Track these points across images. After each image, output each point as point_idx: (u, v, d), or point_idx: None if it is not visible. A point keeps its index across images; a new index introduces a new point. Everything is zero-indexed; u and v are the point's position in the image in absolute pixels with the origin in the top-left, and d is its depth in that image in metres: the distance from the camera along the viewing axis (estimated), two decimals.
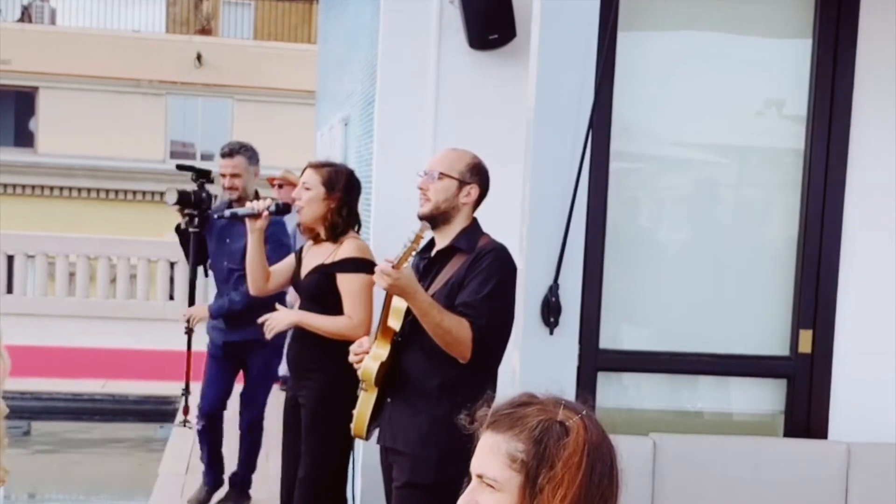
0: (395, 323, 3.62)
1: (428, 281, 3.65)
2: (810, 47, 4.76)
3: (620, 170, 4.86)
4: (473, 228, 3.68)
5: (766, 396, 5.01)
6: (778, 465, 4.71)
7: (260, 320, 4.51)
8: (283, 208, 4.72)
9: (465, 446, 1.88)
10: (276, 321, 4.45)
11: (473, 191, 3.67)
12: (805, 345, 4.86)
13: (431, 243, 3.77)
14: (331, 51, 8.19)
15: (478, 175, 3.70)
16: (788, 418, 4.90)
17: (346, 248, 4.40)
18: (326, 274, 4.36)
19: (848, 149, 4.79)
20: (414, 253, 3.42)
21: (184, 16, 25.29)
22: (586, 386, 4.75)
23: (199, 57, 22.18)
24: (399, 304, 3.66)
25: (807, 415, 4.88)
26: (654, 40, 4.85)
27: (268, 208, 4.52)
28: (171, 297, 14.16)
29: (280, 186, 8.15)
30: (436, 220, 3.67)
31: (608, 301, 4.79)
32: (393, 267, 3.35)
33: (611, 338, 4.82)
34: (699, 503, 4.63)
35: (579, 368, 4.71)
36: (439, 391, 3.56)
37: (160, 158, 22.64)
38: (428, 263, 3.73)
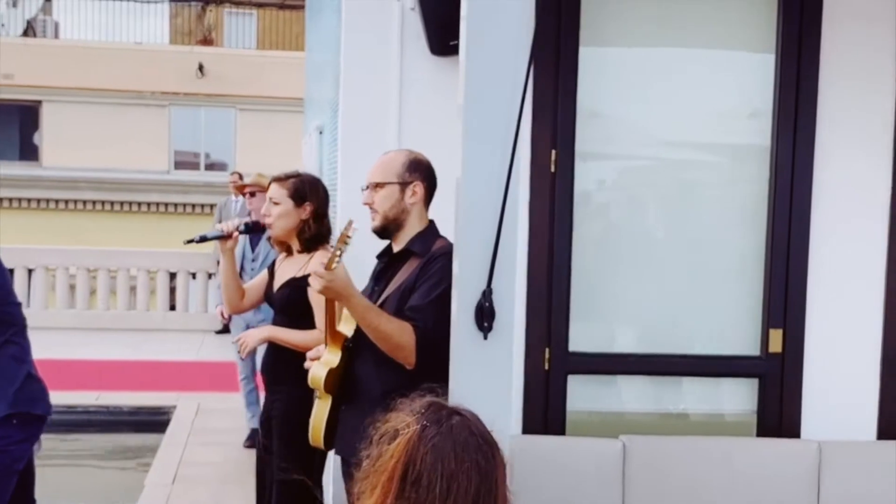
0: (348, 329, 3.62)
1: (383, 284, 3.65)
2: (774, 53, 4.75)
3: (591, 170, 4.86)
4: (428, 231, 3.67)
5: (738, 396, 4.99)
6: (750, 465, 4.69)
7: (233, 340, 4.58)
8: (254, 226, 4.70)
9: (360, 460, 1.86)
10: (249, 338, 4.49)
11: (417, 188, 3.65)
12: (776, 344, 4.84)
13: (390, 247, 3.77)
14: (313, 58, 8.21)
15: (417, 171, 3.67)
16: (761, 418, 4.88)
17: (318, 261, 4.38)
18: (297, 287, 4.35)
19: (814, 146, 4.77)
20: (340, 253, 3.37)
21: (187, 27, 25.36)
22: (557, 389, 4.76)
23: (200, 67, 22.23)
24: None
25: (779, 414, 4.85)
26: (619, 50, 4.85)
27: (237, 228, 4.51)
28: (172, 308, 14.20)
29: (252, 195, 7.54)
30: (388, 229, 3.67)
31: (579, 304, 4.78)
32: (325, 268, 3.34)
33: (580, 340, 4.80)
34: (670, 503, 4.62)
35: (548, 372, 4.74)
36: (385, 398, 3.53)
37: (164, 169, 22.71)
38: (384, 267, 3.72)
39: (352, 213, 4.57)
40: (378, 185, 3.66)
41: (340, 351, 3.63)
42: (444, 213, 3.72)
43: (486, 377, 2.91)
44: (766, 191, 4.83)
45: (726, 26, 4.88)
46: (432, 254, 3.57)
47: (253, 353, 6.72)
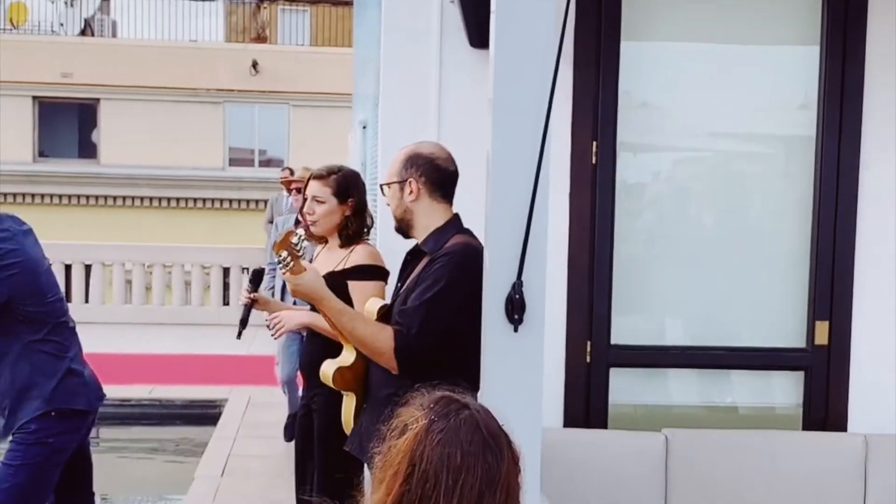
0: None
1: (401, 283, 3.61)
2: (819, 46, 4.70)
3: (632, 162, 4.84)
4: (447, 227, 3.52)
5: (783, 389, 4.94)
6: (795, 459, 4.64)
7: (268, 318, 4.45)
8: (257, 276, 4.63)
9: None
10: (287, 321, 4.37)
11: (413, 184, 3.49)
12: (822, 336, 4.79)
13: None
14: (360, 54, 8.23)
15: (413, 166, 3.51)
16: (806, 411, 4.83)
17: (358, 255, 4.34)
18: (338, 281, 4.23)
19: (860, 138, 4.71)
20: (283, 259, 3.29)
21: (242, 24, 25.57)
22: (598, 382, 4.74)
23: (254, 64, 22.38)
24: (371, 306, 3.65)
25: (825, 407, 4.80)
26: (662, 45, 4.83)
27: (248, 294, 4.43)
28: (226, 303, 14.34)
29: (300, 191, 6.47)
30: (402, 228, 3.59)
31: (621, 296, 4.76)
32: (289, 272, 3.30)
33: (623, 333, 4.78)
34: (713, 498, 4.58)
35: (590, 365, 4.73)
36: (389, 402, 3.47)
37: (219, 166, 22.91)
38: (404, 265, 3.67)
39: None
40: (383, 186, 3.63)
41: (356, 350, 3.59)
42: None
43: (517, 370, 2.90)
44: (811, 183, 4.77)
45: (770, 20, 4.83)
46: (438, 253, 3.43)
47: (297, 358, 6.76)
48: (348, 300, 4.13)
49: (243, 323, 4.42)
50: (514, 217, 2.90)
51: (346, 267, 4.31)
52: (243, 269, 14.22)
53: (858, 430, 4.72)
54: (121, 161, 22.18)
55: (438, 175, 3.53)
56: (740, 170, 4.98)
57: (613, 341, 4.76)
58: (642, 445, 4.64)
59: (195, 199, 22.64)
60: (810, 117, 4.77)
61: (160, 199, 22.55)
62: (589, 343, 4.72)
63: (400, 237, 3.79)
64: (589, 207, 4.66)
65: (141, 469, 4.56)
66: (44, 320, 4.09)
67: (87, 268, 14.10)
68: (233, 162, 23.17)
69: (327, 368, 3.65)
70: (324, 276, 4.20)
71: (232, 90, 22.68)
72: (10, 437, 4.12)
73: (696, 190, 4.98)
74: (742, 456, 4.65)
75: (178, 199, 22.61)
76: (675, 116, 4.92)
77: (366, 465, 3.72)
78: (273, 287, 7.00)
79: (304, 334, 4.80)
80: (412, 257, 3.63)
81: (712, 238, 4.93)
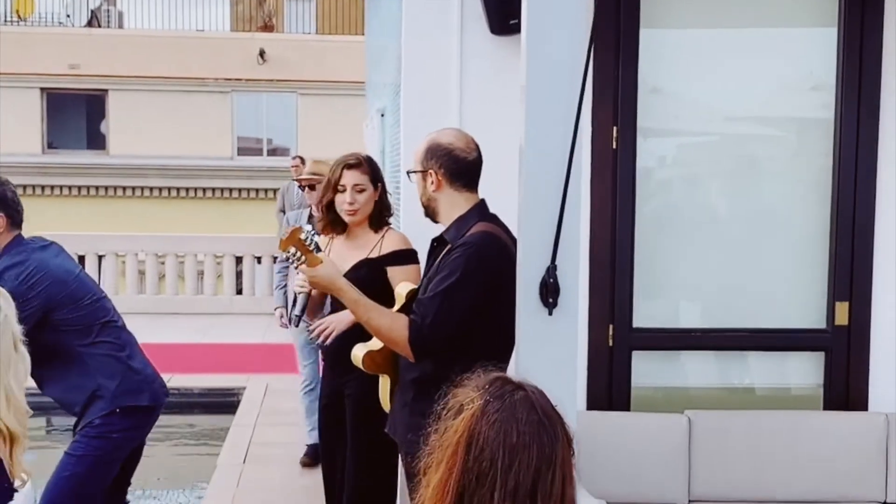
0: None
1: (428, 271, 3.66)
2: (836, 27, 4.73)
3: (652, 147, 4.88)
4: (469, 215, 3.54)
5: (804, 370, 4.99)
6: (817, 439, 4.69)
7: (313, 327, 4.33)
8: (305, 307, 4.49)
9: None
10: (338, 323, 4.23)
11: (433, 175, 3.53)
12: (842, 317, 4.83)
13: None
14: (372, 42, 8.26)
15: (432, 157, 3.55)
16: (827, 391, 4.88)
17: (392, 241, 4.35)
18: (375, 268, 4.26)
19: (879, 118, 4.74)
20: (293, 253, 3.35)
21: (248, 13, 25.56)
22: (622, 366, 4.79)
23: (261, 53, 22.39)
24: (401, 290, 3.71)
25: (845, 387, 4.84)
26: (681, 31, 4.86)
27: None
28: (239, 292, 14.40)
29: (312, 188, 6.35)
30: (429, 215, 3.64)
31: (642, 280, 4.80)
32: (304, 265, 3.36)
33: (645, 316, 4.83)
34: (736, 479, 4.63)
35: (612, 348, 4.77)
36: (414, 385, 3.54)
37: (228, 155, 22.93)
38: (428, 253, 3.72)
39: (415, 195, 4.62)
40: (409, 174, 3.69)
41: None
42: (510, 189, 3.70)
43: (552, 353, 2.95)
44: (830, 164, 4.81)
45: (788, 3, 4.87)
46: (457, 243, 3.46)
47: (317, 359, 6.63)
48: (386, 286, 4.13)
49: (303, 311, 4.10)
50: (548, 202, 2.94)
51: (382, 254, 4.31)
52: (256, 257, 14.28)
53: (879, 410, 4.76)
54: (130, 151, 22.21)
55: (457, 166, 3.56)
56: (759, 152, 5.01)
57: (635, 324, 4.80)
58: (665, 427, 4.68)
59: (204, 189, 22.66)
60: (829, 99, 4.79)
61: (169, 189, 22.58)
62: (611, 326, 4.77)
63: (422, 225, 3.88)
64: (610, 192, 4.70)
65: (161, 458, 4.61)
66: (89, 324, 4.16)
67: (100, 258, 14.15)
68: (241, 151, 23.18)
69: (358, 352, 3.72)
70: (358, 265, 4.20)
71: (239, 79, 22.68)
72: (78, 431, 4.20)
73: (715, 173, 5.01)
74: (764, 436, 4.70)
75: (186, 189, 22.64)
76: (694, 101, 4.96)
77: (399, 448, 3.77)
78: (285, 286, 6.80)
79: None
80: (438, 244, 3.66)
81: (732, 220, 4.97)
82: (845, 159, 4.77)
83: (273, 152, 23.50)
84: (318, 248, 3.44)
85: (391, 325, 3.43)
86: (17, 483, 2.85)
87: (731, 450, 4.66)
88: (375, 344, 3.68)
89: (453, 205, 3.56)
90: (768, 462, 4.65)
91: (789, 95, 4.93)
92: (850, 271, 4.80)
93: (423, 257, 4.05)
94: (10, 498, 2.83)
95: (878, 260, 4.78)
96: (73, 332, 4.11)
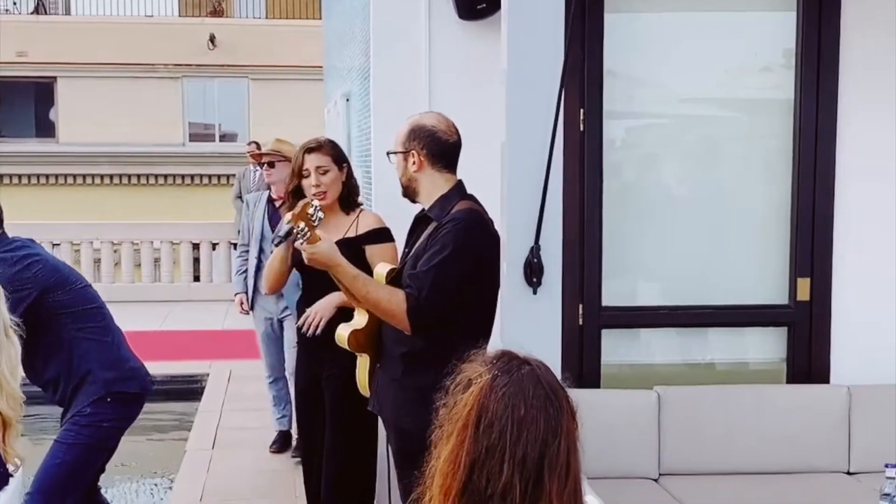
0: None
1: (408, 247, 3.74)
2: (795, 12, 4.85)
3: (617, 128, 4.97)
4: (451, 193, 3.65)
5: (767, 345, 5.12)
6: (781, 411, 4.82)
7: (301, 321, 4.40)
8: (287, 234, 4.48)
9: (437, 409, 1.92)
10: (323, 310, 4.33)
11: (416, 156, 3.64)
12: (804, 293, 4.96)
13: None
14: (333, 26, 8.28)
15: (415, 139, 3.65)
16: (790, 365, 5.01)
17: (368, 220, 4.41)
18: (354, 247, 4.26)
19: (837, 100, 4.87)
20: (302, 229, 3.40)
21: None
22: (592, 344, 4.88)
23: (212, 38, 22.26)
24: (380, 270, 3.77)
25: (808, 361, 4.98)
26: (645, 17, 4.95)
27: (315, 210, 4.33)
28: (197, 279, 14.35)
29: (271, 165, 6.28)
30: (409, 195, 3.74)
31: (609, 259, 4.90)
32: (306, 242, 3.42)
33: (613, 295, 4.92)
34: (704, 452, 4.75)
35: (582, 327, 4.87)
36: (403, 360, 3.63)
37: (180, 142, 22.79)
38: (411, 229, 3.80)
39: (386, 178, 4.68)
40: (389, 154, 3.77)
41: (367, 312, 3.73)
42: (478, 172, 3.78)
43: (536, 331, 3.03)
44: (790, 144, 4.93)
45: None
46: (444, 220, 3.57)
47: (280, 348, 6.61)
48: (365, 265, 4.17)
49: (287, 235, 4.24)
50: (531, 184, 3.01)
51: (359, 233, 4.36)
52: (212, 244, 14.23)
53: (841, 383, 4.90)
54: (80, 139, 21.99)
55: (439, 147, 3.67)
56: (722, 134, 5.12)
57: (605, 303, 4.90)
58: (635, 403, 4.79)
59: (156, 176, 22.50)
60: (789, 82, 4.92)
61: (121, 177, 22.39)
62: (581, 306, 4.86)
63: (394, 207, 4.00)
64: (578, 174, 4.78)
65: (128, 445, 4.62)
66: (80, 309, 4.18)
67: (54, 247, 14.03)
68: (193, 137, 23.05)
69: (343, 331, 3.78)
70: (339, 243, 4.23)
71: (190, 65, 22.53)
72: (66, 419, 4.21)
73: (680, 154, 5.12)
74: (731, 410, 4.82)
75: (138, 176, 22.47)
76: (658, 84, 5.05)
77: (386, 425, 3.83)
78: (245, 271, 6.69)
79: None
80: (418, 223, 3.76)
81: (697, 200, 5.08)
82: (805, 139, 4.90)
83: (225, 138, 23.38)
84: (318, 226, 3.50)
85: (390, 298, 3.50)
86: (10, 468, 2.89)
87: (699, 424, 4.78)
88: (359, 323, 3.74)
89: (434, 185, 3.66)
90: (735, 435, 4.77)
91: (751, 78, 5.05)
92: (811, 248, 4.93)
93: (397, 238, 4.13)
94: (6, 482, 2.87)
95: (837, 236, 4.92)
96: (66, 315, 4.13)
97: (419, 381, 3.43)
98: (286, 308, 6.34)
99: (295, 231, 3.43)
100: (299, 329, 4.47)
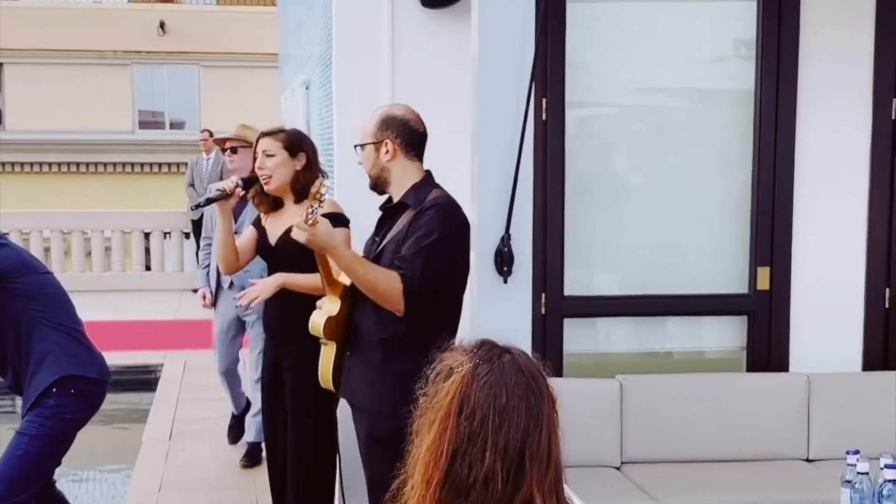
0: (346, 278, 3.71)
1: (382, 235, 3.73)
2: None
3: (578, 118, 4.97)
4: (424, 182, 3.69)
5: (727, 334, 5.16)
6: (741, 399, 4.86)
7: (239, 296, 4.46)
8: (250, 181, 4.56)
9: (418, 397, 1.92)
10: (263, 288, 4.37)
11: (389, 145, 3.66)
12: (763, 282, 5.00)
13: (391, 198, 3.82)
14: (290, 13, 8.22)
15: (387, 128, 3.67)
16: (750, 353, 5.05)
17: (325, 205, 4.39)
18: None
19: (797, 90, 4.90)
20: (312, 210, 3.44)
21: None
22: (554, 333, 4.89)
23: (161, 25, 22.05)
24: (317, 319, 3.78)
25: (767, 349, 5.02)
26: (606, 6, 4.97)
27: (236, 185, 4.42)
28: (148, 268, 14.21)
29: (234, 151, 6.13)
30: (378, 186, 3.75)
31: (571, 249, 4.91)
32: (308, 224, 3.43)
33: (575, 284, 4.94)
34: (666, 439, 4.78)
35: (545, 316, 4.87)
36: (383, 346, 3.63)
37: (129, 129, 22.57)
38: (382, 218, 3.80)
39: (349, 168, 4.64)
40: (358, 147, 3.76)
41: (340, 300, 3.74)
42: (442, 161, 3.80)
43: (507, 320, 3.03)
44: (751, 133, 4.97)
45: None
46: (424, 205, 3.60)
47: (235, 347, 6.52)
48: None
49: (208, 201, 4.41)
50: (501, 173, 3.01)
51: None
52: (164, 232, 14.10)
53: (800, 371, 4.95)
54: (27, 126, 21.71)
55: (411, 136, 3.70)
56: (682, 123, 5.15)
57: (566, 293, 4.91)
58: (598, 392, 4.81)
59: (105, 164, 22.27)
60: (749, 70, 4.94)
61: (69, 164, 22.15)
62: (543, 295, 4.86)
63: (353, 199, 4.11)
64: (541, 163, 4.77)
65: (83, 437, 4.54)
66: (44, 293, 4.14)
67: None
68: (142, 125, 22.84)
69: (318, 319, 3.76)
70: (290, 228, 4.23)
71: (139, 52, 22.32)
72: (28, 410, 4.15)
73: (640, 143, 5.14)
74: (691, 398, 4.86)
75: (87, 164, 22.22)
76: (619, 73, 5.07)
77: (359, 412, 3.81)
78: (208, 265, 6.56)
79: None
80: (390, 212, 3.77)
81: (658, 189, 5.10)
82: (765, 128, 4.93)
83: (174, 125, 23.19)
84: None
85: (387, 278, 3.51)
86: None
87: (661, 412, 4.81)
88: (333, 310, 3.73)
89: (407, 173, 3.69)
90: (696, 423, 4.80)
91: (712, 67, 5.07)
92: (770, 237, 4.97)
93: (357, 229, 4.12)
94: None
95: (797, 226, 4.96)
96: (30, 298, 4.09)
97: (398, 367, 3.45)
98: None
99: (308, 211, 3.44)
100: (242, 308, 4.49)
